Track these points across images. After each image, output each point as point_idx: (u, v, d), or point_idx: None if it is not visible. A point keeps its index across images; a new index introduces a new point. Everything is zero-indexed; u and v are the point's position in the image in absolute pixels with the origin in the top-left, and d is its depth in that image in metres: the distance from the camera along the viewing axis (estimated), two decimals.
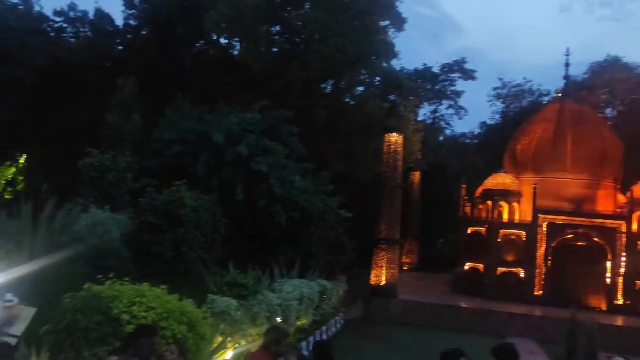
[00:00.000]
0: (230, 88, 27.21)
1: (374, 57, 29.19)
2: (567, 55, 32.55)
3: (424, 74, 47.84)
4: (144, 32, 31.86)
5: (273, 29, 29.61)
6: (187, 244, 15.46)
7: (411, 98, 38.12)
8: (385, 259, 26.13)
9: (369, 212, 28.41)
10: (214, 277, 15.27)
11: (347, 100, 33.03)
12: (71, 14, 31.79)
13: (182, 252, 15.36)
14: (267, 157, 21.27)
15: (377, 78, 31.84)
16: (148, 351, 6.09)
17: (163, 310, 9.13)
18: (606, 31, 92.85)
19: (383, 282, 25.98)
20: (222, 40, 30.85)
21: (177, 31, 30.03)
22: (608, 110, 43.61)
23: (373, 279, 26.29)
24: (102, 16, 31.80)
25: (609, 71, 42.46)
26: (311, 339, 16.11)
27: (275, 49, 29.86)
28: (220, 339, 11.36)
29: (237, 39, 29.67)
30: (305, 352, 15.58)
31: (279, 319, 14.39)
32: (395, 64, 35.57)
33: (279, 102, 24.61)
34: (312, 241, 22.15)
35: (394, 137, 26.85)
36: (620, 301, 26.97)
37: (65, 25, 31.78)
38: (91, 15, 31.88)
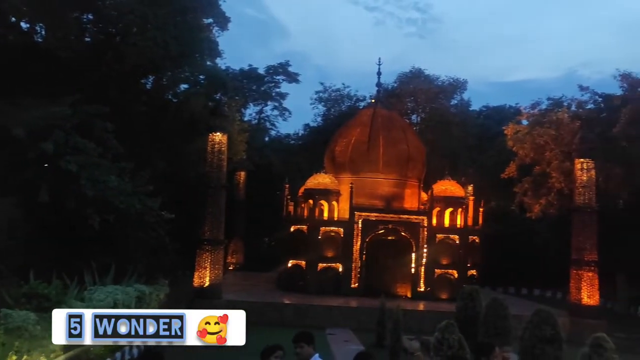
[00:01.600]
0: (34, 79, 24.43)
1: (197, 55, 28.59)
2: (379, 65, 35.68)
3: (250, 75, 48.29)
4: None
5: (85, 17, 27.34)
6: None
7: (236, 98, 38.32)
8: (209, 260, 25.78)
9: (193, 212, 27.79)
10: (9, 288, 13.60)
11: (169, 97, 31.91)
12: None
13: None
14: (78, 156, 19.60)
15: (201, 76, 31.32)
16: None
17: None
18: (412, 46, 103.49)
19: (207, 284, 25.59)
20: (24, 25, 27.59)
21: None
22: (413, 117, 48.45)
23: (197, 281, 25.77)
24: None
25: (413, 82, 47.25)
26: (126, 348, 15.17)
27: (88, 39, 27.62)
28: (14, 357, 10.14)
29: (42, 24, 26.78)
30: None
31: None
32: (221, 63, 35.35)
33: (94, 96, 22.80)
34: (129, 244, 20.98)
35: (219, 137, 26.64)
36: (422, 288, 30.16)
37: None
38: None
